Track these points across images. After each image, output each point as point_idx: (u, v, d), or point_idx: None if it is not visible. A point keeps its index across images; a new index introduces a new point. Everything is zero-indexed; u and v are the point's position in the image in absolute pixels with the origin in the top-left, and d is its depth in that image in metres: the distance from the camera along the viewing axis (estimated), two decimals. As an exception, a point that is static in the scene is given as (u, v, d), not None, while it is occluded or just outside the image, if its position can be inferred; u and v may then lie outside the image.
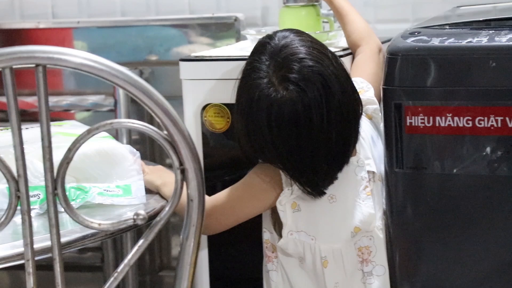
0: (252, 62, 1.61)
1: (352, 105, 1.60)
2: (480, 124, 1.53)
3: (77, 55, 1.14)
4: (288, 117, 1.55)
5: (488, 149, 1.53)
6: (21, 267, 1.24)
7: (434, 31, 1.64)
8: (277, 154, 1.58)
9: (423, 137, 1.57)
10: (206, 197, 1.54)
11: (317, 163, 1.58)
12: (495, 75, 1.52)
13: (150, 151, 2.52)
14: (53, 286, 1.19)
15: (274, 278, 1.70)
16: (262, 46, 1.62)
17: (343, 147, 1.60)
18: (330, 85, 1.55)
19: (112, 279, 1.22)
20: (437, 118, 1.55)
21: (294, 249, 1.64)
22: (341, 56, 1.79)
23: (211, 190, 1.68)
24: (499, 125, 1.52)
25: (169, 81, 2.42)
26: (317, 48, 1.60)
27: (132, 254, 1.22)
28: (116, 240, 2.42)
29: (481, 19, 1.70)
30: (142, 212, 1.21)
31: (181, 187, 1.21)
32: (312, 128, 1.55)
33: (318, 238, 1.63)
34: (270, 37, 1.63)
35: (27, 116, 2.37)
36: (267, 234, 1.69)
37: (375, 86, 1.74)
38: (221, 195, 1.66)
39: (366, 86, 1.74)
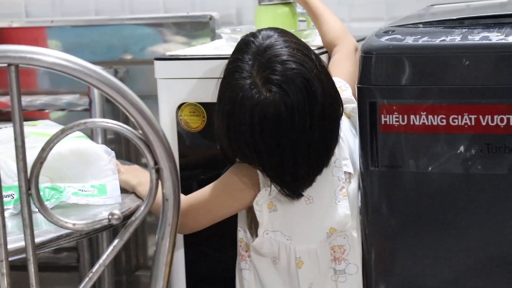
0: (235, 61, 1.60)
1: (334, 107, 1.60)
2: (454, 122, 1.53)
3: (50, 55, 1.13)
4: (271, 119, 1.54)
5: (462, 147, 1.53)
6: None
7: (408, 29, 1.65)
8: (257, 155, 1.58)
9: (398, 135, 1.57)
10: (182, 196, 1.54)
11: (298, 165, 1.58)
12: (468, 74, 1.52)
13: (126, 150, 2.51)
14: (28, 286, 1.18)
15: (247, 277, 1.70)
16: (245, 45, 1.61)
17: (325, 149, 1.60)
18: (313, 88, 1.55)
19: (87, 279, 1.21)
20: (412, 116, 1.55)
21: (269, 248, 1.64)
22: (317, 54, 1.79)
23: (187, 189, 1.67)
24: (473, 123, 1.52)
25: (144, 80, 2.42)
26: (301, 50, 1.59)
27: (107, 254, 1.21)
28: (91, 240, 2.41)
29: (454, 17, 1.70)
30: (117, 212, 1.21)
31: (156, 187, 1.20)
32: (294, 130, 1.55)
33: (294, 238, 1.63)
34: (254, 35, 1.62)
35: (2, 116, 2.36)
36: (242, 233, 1.68)
37: (352, 85, 1.74)
38: (197, 194, 1.65)
39: (344, 85, 1.74)
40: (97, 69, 1.15)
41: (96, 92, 2.31)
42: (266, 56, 1.56)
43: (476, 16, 1.70)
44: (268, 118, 1.54)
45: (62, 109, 2.51)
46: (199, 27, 2.41)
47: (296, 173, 1.58)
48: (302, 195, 1.61)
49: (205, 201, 1.65)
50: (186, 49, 2.08)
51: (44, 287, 1.21)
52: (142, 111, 1.17)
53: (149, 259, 2.64)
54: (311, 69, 1.56)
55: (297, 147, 1.56)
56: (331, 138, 1.60)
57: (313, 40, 1.99)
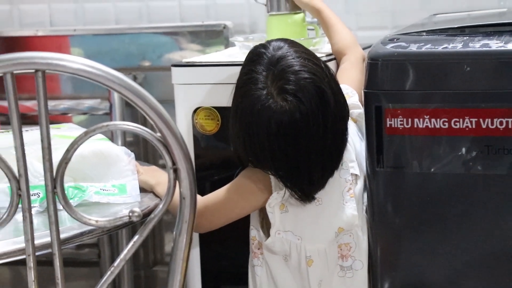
0: (249, 72, 1.59)
1: (343, 112, 1.60)
2: (456, 125, 1.53)
3: (75, 61, 1.14)
4: (287, 126, 1.54)
5: (463, 149, 1.53)
6: (21, 262, 1.24)
7: (412, 37, 1.65)
8: (273, 162, 1.58)
9: (402, 138, 1.57)
10: (198, 197, 1.54)
11: (313, 170, 1.58)
12: (469, 79, 1.52)
13: (144, 152, 2.52)
14: (52, 281, 1.19)
15: (259, 273, 1.70)
16: (257, 56, 1.61)
17: (336, 152, 1.60)
18: (325, 95, 1.56)
19: (108, 273, 1.22)
20: (415, 119, 1.55)
21: (281, 247, 1.64)
22: (326, 61, 1.79)
23: (202, 189, 1.68)
24: (474, 126, 1.52)
25: (162, 86, 2.42)
26: (311, 59, 1.59)
27: (127, 250, 1.22)
28: (112, 236, 2.42)
29: (456, 26, 1.70)
30: (137, 209, 1.22)
31: (174, 186, 1.21)
32: (309, 136, 1.55)
33: (304, 238, 1.63)
34: (264, 46, 1.62)
35: (27, 119, 2.36)
36: (254, 232, 1.69)
37: (359, 92, 1.74)
38: (212, 196, 1.66)
39: (351, 92, 1.74)
40: (119, 75, 1.16)
41: (116, 96, 2.31)
42: (279, 67, 1.56)
43: (477, 24, 1.70)
44: (284, 126, 1.54)
45: (84, 113, 2.52)
46: (213, 36, 2.41)
47: (311, 177, 1.58)
48: (314, 198, 1.61)
49: (219, 203, 1.65)
50: (201, 56, 2.08)
51: (67, 281, 1.21)
52: (161, 115, 1.18)
53: (166, 255, 2.64)
54: (322, 78, 1.57)
55: (312, 152, 1.57)
56: (342, 141, 1.60)
57: (322, 48, 2.00)
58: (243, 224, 1.70)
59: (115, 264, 1.22)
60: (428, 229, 1.58)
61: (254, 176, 1.64)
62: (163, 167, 1.97)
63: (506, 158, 1.51)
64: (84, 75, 1.14)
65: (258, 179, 1.63)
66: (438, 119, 1.54)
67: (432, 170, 1.56)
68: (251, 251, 1.71)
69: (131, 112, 2.41)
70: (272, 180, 1.61)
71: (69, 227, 1.37)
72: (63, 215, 1.24)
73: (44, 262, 1.32)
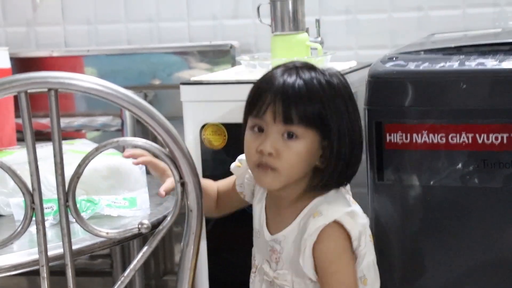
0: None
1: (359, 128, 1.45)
2: (453, 140, 1.53)
3: (86, 80, 1.14)
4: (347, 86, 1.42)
5: (460, 163, 1.53)
6: (38, 272, 1.24)
7: (410, 56, 1.65)
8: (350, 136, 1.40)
9: (401, 152, 1.57)
10: None
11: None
12: (466, 96, 1.52)
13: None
14: (69, 290, 1.19)
15: None
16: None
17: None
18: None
19: (119, 283, 1.21)
20: (414, 135, 1.55)
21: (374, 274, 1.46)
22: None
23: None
24: (470, 141, 1.52)
25: (171, 103, 2.42)
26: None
27: (137, 260, 1.21)
28: (123, 247, 2.41)
29: (453, 45, 1.70)
30: (146, 221, 1.21)
31: (182, 199, 1.21)
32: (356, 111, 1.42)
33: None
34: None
35: (43, 135, 2.35)
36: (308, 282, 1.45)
37: None
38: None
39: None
40: (128, 93, 1.16)
41: (127, 114, 2.32)
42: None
43: (473, 44, 1.70)
44: (347, 86, 1.42)
45: (97, 130, 2.52)
46: (220, 55, 2.42)
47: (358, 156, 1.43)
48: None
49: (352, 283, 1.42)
50: (209, 74, 2.08)
51: (81, 290, 1.21)
52: (168, 131, 1.18)
53: (175, 265, 2.63)
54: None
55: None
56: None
57: (324, 66, 1.99)
58: (250, 232, 1.69)
59: (125, 274, 1.21)
60: (427, 239, 1.58)
61: (345, 252, 1.41)
62: (173, 180, 1.98)
63: (501, 171, 1.50)
64: (95, 94, 1.14)
65: (347, 250, 1.41)
66: (436, 134, 1.53)
67: (431, 183, 1.55)
68: None
69: (142, 128, 2.41)
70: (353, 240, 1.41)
71: (81, 238, 1.37)
72: (75, 226, 1.24)
73: (59, 272, 1.31)
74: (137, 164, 1.47)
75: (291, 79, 1.39)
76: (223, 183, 1.58)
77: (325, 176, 1.41)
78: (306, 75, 1.40)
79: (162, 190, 1.42)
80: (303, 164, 1.39)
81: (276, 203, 1.47)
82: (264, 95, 1.39)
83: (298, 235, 1.41)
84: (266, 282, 1.49)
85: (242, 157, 1.54)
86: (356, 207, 1.41)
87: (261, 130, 1.40)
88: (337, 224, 1.38)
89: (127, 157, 1.46)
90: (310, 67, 1.43)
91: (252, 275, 1.53)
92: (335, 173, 1.40)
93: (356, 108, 1.41)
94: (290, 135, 1.38)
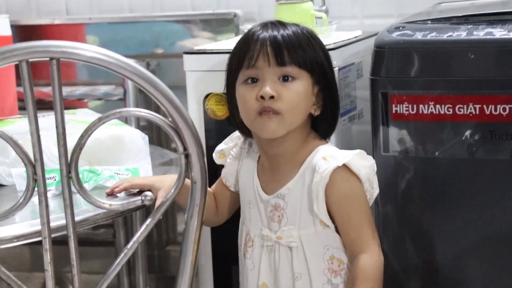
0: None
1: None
2: (460, 111, 1.51)
3: (88, 49, 1.12)
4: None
5: (467, 135, 1.52)
6: (40, 242, 1.24)
7: (417, 25, 1.63)
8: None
9: (407, 123, 1.55)
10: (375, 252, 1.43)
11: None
12: (473, 67, 1.51)
13: (157, 136, 2.50)
14: (69, 259, 1.18)
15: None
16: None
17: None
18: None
19: (122, 255, 1.20)
20: (421, 106, 1.54)
21: None
22: (331, 49, 1.76)
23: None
24: (477, 112, 1.50)
25: (174, 72, 2.40)
26: None
27: (140, 232, 1.21)
28: (126, 217, 2.41)
29: (460, 14, 1.68)
30: (149, 193, 1.20)
31: (185, 171, 1.19)
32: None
33: None
34: None
35: (45, 104, 2.33)
36: (337, 251, 1.47)
37: None
38: (369, 228, 1.45)
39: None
40: (131, 62, 1.14)
41: (130, 83, 2.30)
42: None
43: (481, 13, 1.67)
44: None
45: (99, 99, 2.50)
46: (224, 24, 2.39)
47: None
48: None
49: (371, 223, 1.47)
50: (213, 43, 2.06)
51: (83, 260, 1.20)
52: (172, 101, 1.16)
53: (178, 235, 2.63)
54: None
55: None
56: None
57: (329, 35, 1.97)
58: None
59: (129, 246, 1.20)
60: (432, 211, 1.57)
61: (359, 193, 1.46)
62: (175, 150, 1.97)
63: (509, 143, 1.49)
64: (97, 63, 1.12)
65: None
66: (443, 105, 1.52)
67: (437, 155, 1.54)
68: (324, 272, 1.48)
69: (145, 97, 2.39)
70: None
71: (84, 209, 1.36)
72: (78, 197, 1.23)
73: (61, 242, 1.31)
74: (119, 192, 1.46)
75: (276, 30, 1.45)
76: (216, 186, 1.62)
77: (320, 124, 1.48)
78: (289, 27, 1.46)
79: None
80: (303, 106, 1.44)
81: (272, 165, 1.50)
82: (252, 45, 1.45)
83: (305, 184, 1.44)
84: (266, 249, 1.50)
85: (219, 147, 1.60)
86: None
87: (255, 80, 1.44)
88: (346, 167, 1.42)
89: (110, 194, 1.46)
90: (287, 23, 1.48)
91: (248, 250, 1.53)
92: (327, 120, 1.48)
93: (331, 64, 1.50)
94: (286, 78, 1.43)
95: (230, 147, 1.60)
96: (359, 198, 1.44)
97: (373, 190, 1.46)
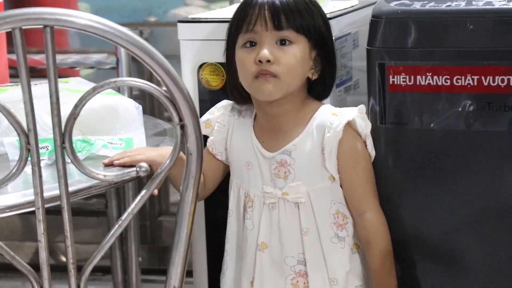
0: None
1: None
2: (458, 82, 1.50)
3: (83, 17, 1.10)
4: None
5: (464, 106, 1.51)
6: (32, 211, 1.23)
7: (415, -5, 1.61)
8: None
9: (404, 94, 1.54)
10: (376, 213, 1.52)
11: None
12: (472, 37, 1.49)
13: (150, 106, 2.50)
14: (61, 228, 1.17)
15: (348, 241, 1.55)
16: None
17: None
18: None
19: (116, 226, 1.20)
20: (418, 77, 1.52)
21: None
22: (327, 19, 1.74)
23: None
24: (475, 83, 1.49)
25: (167, 41, 2.39)
26: None
27: (135, 204, 1.19)
28: (119, 187, 2.40)
29: (459, -16, 1.67)
30: (144, 164, 1.19)
31: (181, 142, 1.18)
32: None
33: None
34: None
35: (36, 72, 2.33)
36: (341, 207, 1.55)
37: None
38: (370, 189, 1.54)
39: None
40: (127, 31, 1.12)
41: (123, 51, 2.27)
42: None
43: (480, -18, 1.66)
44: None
45: (91, 67, 2.49)
46: (218, -8, 2.38)
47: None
48: None
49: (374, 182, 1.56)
50: (207, 12, 2.04)
51: (75, 230, 1.19)
52: (168, 71, 1.15)
53: (171, 206, 2.64)
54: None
55: None
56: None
57: (325, 5, 1.95)
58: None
59: (123, 217, 1.19)
60: (427, 183, 1.57)
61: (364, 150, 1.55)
62: (169, 120, 1.95)
63: (506, 115, 1.48)
64: (92, 31, 1.10)
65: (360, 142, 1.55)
66: (440, 77, 1.51)
67: (434, 126, 1.53)
68: (330, 226, 1.54)
69: (138, 66, 2.38)
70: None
71: (77, 180, 1.35)
72: (71, 167, 1.21)
73: (53, 211, 1.30)
74: (118, 165, 1.45)
75: None
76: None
77: (317, 88, 1.54)
78: None
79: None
80: (300, 70, 1.49)
81: (273, 125, 1.55)
82: (250, 10, 1.50)
83: (314, 140, 1.50)
84: (267, 207, 1.54)
85: (205, 117, 1.63)
86: None
87: (253, 44, 1.49)
88: (350, 124, 1.50)
89: (108, 164, 1.46)
90: None
91: (248, 210, 1.56)
92: (323, 84, 1.55)
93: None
94: (283, 42, 1.48)
95: (216, 116, 1.63)
96: (365, 155, 1.53)
97: (372, 151, 1.54)
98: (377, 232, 1.52)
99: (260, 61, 1.47)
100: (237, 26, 1.52)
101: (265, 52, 1.46)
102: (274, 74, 1.47)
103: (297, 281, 1.53)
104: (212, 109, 1.65)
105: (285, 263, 1.54)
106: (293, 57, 1.48)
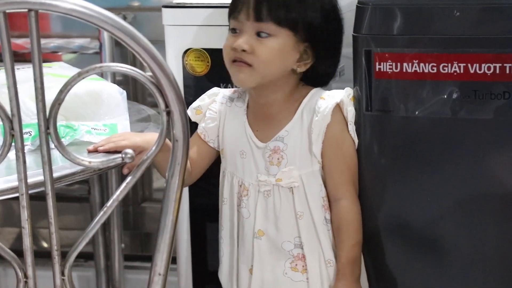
0: None
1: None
2: (444, 70, 1.50)
3: (67, 1, 1.09)
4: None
5: (451, 93, 1.51)
6: (13, 198, 1.22)
7: (402, -18, 1.61)
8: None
9: (390, 82, 1.54)
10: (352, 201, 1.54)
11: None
12: (458, 24, 1.49)
13: (133, 91, 2.48)
14: (43, 215, 1.16)
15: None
16: None
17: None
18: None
19: (101, 213, 1.19)
20: (404, 64, 1.52)
21: None
22: None
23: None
24: (462, 71, 1.49)
25: (151, 26, 2.37)
26: None
27: (120, 191, 1.19)
28: (101, 174, 2.40)
29: (445, -29, 1.66)
30: (129, 151, 1.18)
31: (167, 128, 1.17)
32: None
33: None
34: None
35: (18, 57, 2.31)
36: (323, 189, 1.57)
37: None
38: (349, 175, 1.57)
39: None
40: (113, 16, 1.11)
41: (106, 36, 2.26)
42: None
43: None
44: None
45: (74, 52, 2.47)
46: (203, -24, 2.36)
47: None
48: None
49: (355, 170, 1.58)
50: (192, -3, 2.03)
51: (58, 216, 1.19)
52: (154, 57, 1.14)
53: (154, 192, 2.63)
54: None
55: None
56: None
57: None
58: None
59: (108, 204, 1.19)
60: (412, 170, 1.57)
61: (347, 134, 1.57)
62: (152, 105, 1.94)
63: (492, 103, 1.48)
64: (77, 16, 1.09)
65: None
66: (427, 64, 1.51)
67: (420, 114, 1.53)
68: (321, 209, 1.57)
69: (121, 51, 2.36)
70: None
71: (61, 166, 1.34)
72: (54, 153, 1.20)
73: (35, 197, 1.29)
74: (103, 151, 1.45)
75: None
76: (191, 144, 1.60)
77: (312, 78, 1.55)
78: None
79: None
80: (277, 62, 1.50)
81: (265, 113, 1.56)
82: None
83: (304, 125, 1.53)
84: (262, 195, 1.55)
85: (195, 104, 1.64)
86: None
87: (238, 31, 1.52)
88: (338, 108, 1.53)
89: (92, 151, 1.46)
90: None
91: (243, 199, 1.57)
92: (318, 76, 1.55)
93: (338, 18, 1.56)
94: (262, 34, 1.49)
95: (207, 103, 1.63)
96: (349, 142, 1.55)
97: (355, 138, 1.55)
98: (348, 220, 1.54)
99: (235, 48, 1.50)
100: (229, 10, 1.54)
101: (240, 42, 1.49)
102: (248, 63, 1.49)
103: (296, 264, 1.56)
104: (203, 96, 1.65)
105: (282, 248, 1.56)
106: (269, 50, 1.49)
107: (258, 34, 1.49)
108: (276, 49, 1.49)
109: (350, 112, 1.54)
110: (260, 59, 1.48)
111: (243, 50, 1.48)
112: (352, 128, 1.55)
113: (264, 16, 1.48)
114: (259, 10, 1.48)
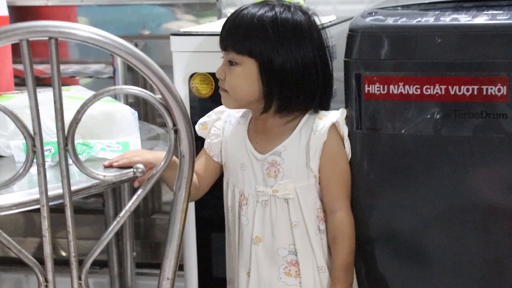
0: None
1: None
2: (427, 91, 1.52)
3: (85, 30, 1.11)
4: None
5: (433, 113, 1.52)
6: (34, 210, 1.23)
7: (389, 11, 1.62)
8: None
9: (378, 102, 1.55)
10: (344, 213, 1.54)
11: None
12: (440, 50, 1.50)
13: (144, 112, 2.50)
14: (61, 225, 1.17)
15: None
16: None
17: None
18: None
19: (115, 223, 1.20)
20: (391, 86, 1.53)
21: None
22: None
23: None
24: (443, 92, 1.51)
25: (160, 52, 2.39)
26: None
27: (132, 202, 1.20)
28: (115, 187, 2.40)
29: (428, 1, 1.68)
30: (140, 165, 1.20)
31: (175, 145, 1.19)
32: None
33: None
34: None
35: (39, 81, 2.33)
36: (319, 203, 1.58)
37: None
38: (344, 189, 1.57)
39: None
40: (125, 43, 1.13)
41: (119, 61, 2.27)
42: None
43: (447, 0, 1.68)
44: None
45: (90, 76, 2.49)
46: (207, 8, 2.38)
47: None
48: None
49: (349, 183, 1.58)
50: (197, 26, 2.05)
51: (75, 227, 1.20)
52: (163, 80, 1.16)
53: (163, 205, 2.63)
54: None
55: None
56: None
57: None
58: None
59: (121, 215, 1.20)
60: (399, 184, 1.58)
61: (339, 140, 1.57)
62: (161, 125, 1.96)
63: (471, 121, 1.50)
64: (93, 43, 1.11)
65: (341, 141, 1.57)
66: (411, 86, 1.52)
67: (405, 132, 1.54)
68: (315, 219, 1.57)
69: (133, 76, 2.38)
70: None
71: (78, 180, 1.35)
72: (72, 168, 1.22)
73: (54, 210, 1.30)
74: (117, 167, 1.46)
75: (243, 12, 1.51)
76: (197, 161, 1.63)
77: (270, 103, 1.50)
78: (259, 10, 1.50)
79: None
80: (244, 88, 1.50)
81: (265, 128, 1.57)
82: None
83: (301, 142, 1.53)
84: (260, 204, 1.56)
85: (202, 120, 1.65)
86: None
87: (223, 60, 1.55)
88: (334, 127, 1.54)
89: (107, 166, 1.47)
90: (281, 4, 1.52)
91: (243, 207, 1.57)
92: (280, 99, 1.50)
93: (319, 44, 1.54)
94: (233, 62, 1.50)
95: (213, 119, 1.64)
96: (344, 157, 1.56)
97: (349, 154, 1.56)
98: (344, 231, 1.55)
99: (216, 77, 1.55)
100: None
101: (217, 71, 1.53)
102: (224, 89, 1.53)
103: (289, 270, 1.56)
104: (210, 113, 1.67)
105: (277, 254, 1.56)
106: (235, 77, 1.50)
107: (230, 62, 1.51)
108: (241, 76, 1.50)
109: (345, 130, 1.55)
110: (229, 85, 1.51)
111: (219, 78, 1.53)
112: (348, 145, 1.56)
113: (229, 47, 1.51)
114: (226, 41, 1.51)
